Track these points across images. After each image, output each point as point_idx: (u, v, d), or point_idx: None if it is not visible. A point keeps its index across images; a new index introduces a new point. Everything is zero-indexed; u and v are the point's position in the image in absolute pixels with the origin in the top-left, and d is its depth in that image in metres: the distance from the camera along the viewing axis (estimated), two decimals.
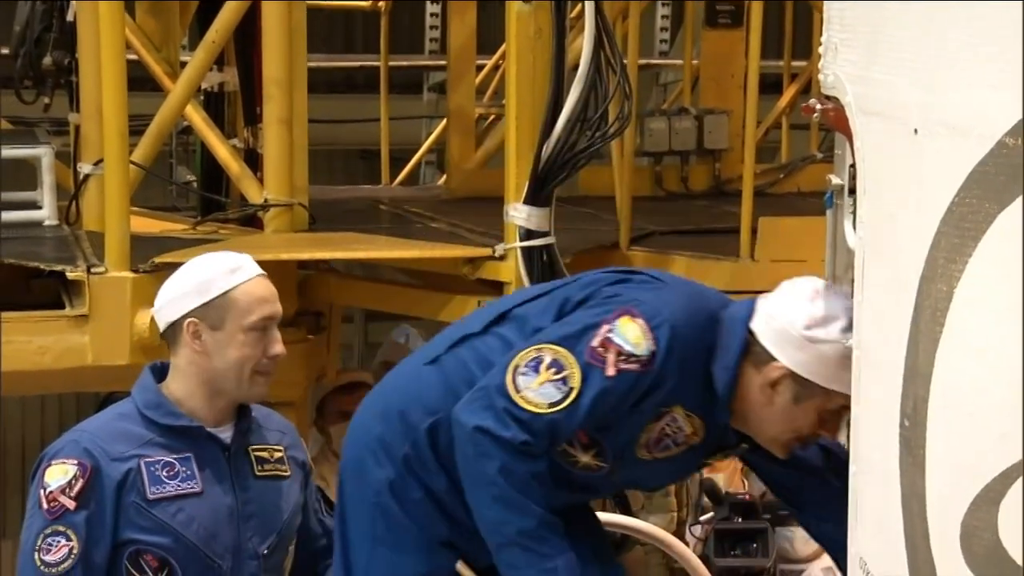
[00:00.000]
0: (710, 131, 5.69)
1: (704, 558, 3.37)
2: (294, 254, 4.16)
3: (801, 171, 5.85)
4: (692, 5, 6.34)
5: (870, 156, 1.80)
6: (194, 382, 2.81)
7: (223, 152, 4.54)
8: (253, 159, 4.61)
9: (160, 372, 2.86)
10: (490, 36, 6.17)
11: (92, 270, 3.68)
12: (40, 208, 4.37)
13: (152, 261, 3.76)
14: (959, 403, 1.51)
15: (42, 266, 3.72)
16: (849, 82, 1.83)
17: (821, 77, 1.95)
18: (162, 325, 2.81)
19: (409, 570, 2.70)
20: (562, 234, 4.03)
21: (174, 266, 3.78)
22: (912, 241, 1.60)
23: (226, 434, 2.85)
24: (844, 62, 1.86)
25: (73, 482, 2.73)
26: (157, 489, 2.78)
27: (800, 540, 4.00)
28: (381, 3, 6.29)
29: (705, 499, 4.05)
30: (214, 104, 4.96)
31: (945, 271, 1.54)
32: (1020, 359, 1.42)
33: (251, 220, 4.51)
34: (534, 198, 3.89)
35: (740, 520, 3.81)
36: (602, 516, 3.57)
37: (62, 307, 3.72)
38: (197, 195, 5.14)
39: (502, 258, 4.00)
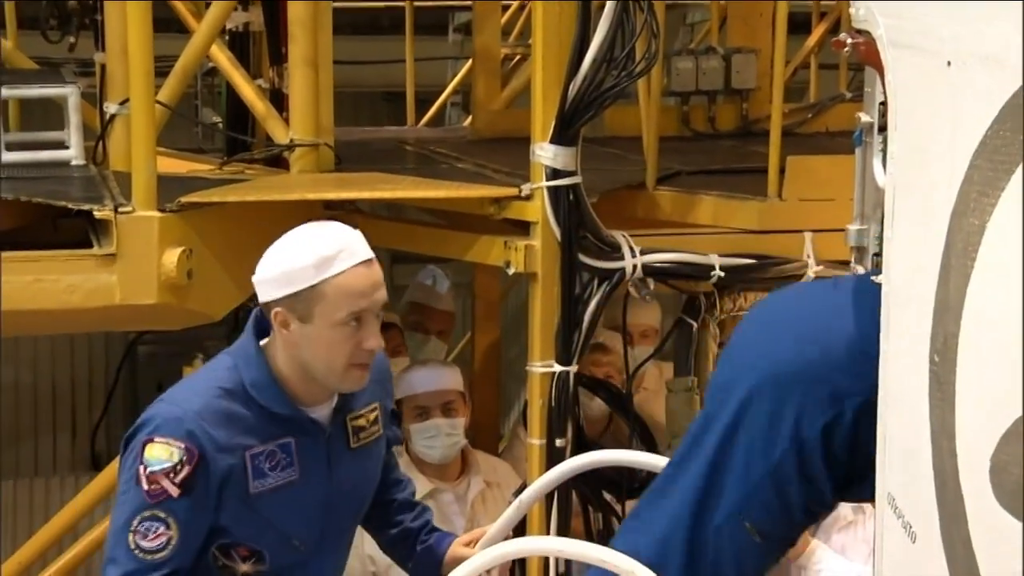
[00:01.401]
0: (738, 70, 5.64)
1: None
2: (320, 194, 4.16)
3: (830, 110, 5.81)
4: None
5: (902, 90, 1.78)
6: (290, 365, 2.73)
7: (248, 92, 4.53)
8: (279, 99, 4.59)
9: (261, 330, 2.75)
10: None
11: (119, 209, 3.68)
12: (67, 148, 4.38)
13: (179, 201, 3.76)
14: (989, 338, 1.50)
15: (70, 205, 3.72)
16: (881, 15, 1.81)
17: (852, 10, 1.92)
18: (260, 298, 2.73)
19: None
20: (588, 174, 4.01)
21: (201, 206, 3.82)
22: (944, 175, 1.58)
23: (325, 412, 2.78)
24: None
25: (179, 468, 2.64)
26: (259, 483, 2.72)
27: None
28: None
29: None
30: (239, 44, 4.94)
31: (977, 205, 1.52)
32: None
33: (277, 160, 4.51)
34: (560, 138, 3.87)
35: None
36: (631, 455, 3.58)
37: (90, 246, 3.73)
38: (223, 136, 5.13)
39: (528, 198, 3.99)
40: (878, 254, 2.94)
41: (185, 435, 2.65)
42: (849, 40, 2.07)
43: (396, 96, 7.06)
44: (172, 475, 2.63)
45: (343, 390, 2.78)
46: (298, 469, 2.75)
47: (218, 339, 5.68)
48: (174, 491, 2.63)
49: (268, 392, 2.72)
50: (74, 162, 4.34)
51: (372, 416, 2.90)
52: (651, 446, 4.29)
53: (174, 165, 4.45)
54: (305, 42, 4.26)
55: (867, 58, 1.99)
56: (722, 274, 4.11)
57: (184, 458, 2.63)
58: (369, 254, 2.73)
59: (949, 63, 1.59)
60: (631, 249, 4.03)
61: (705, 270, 4.11)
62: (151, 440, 2.66)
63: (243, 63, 4.73)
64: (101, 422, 8.07)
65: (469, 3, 6.55)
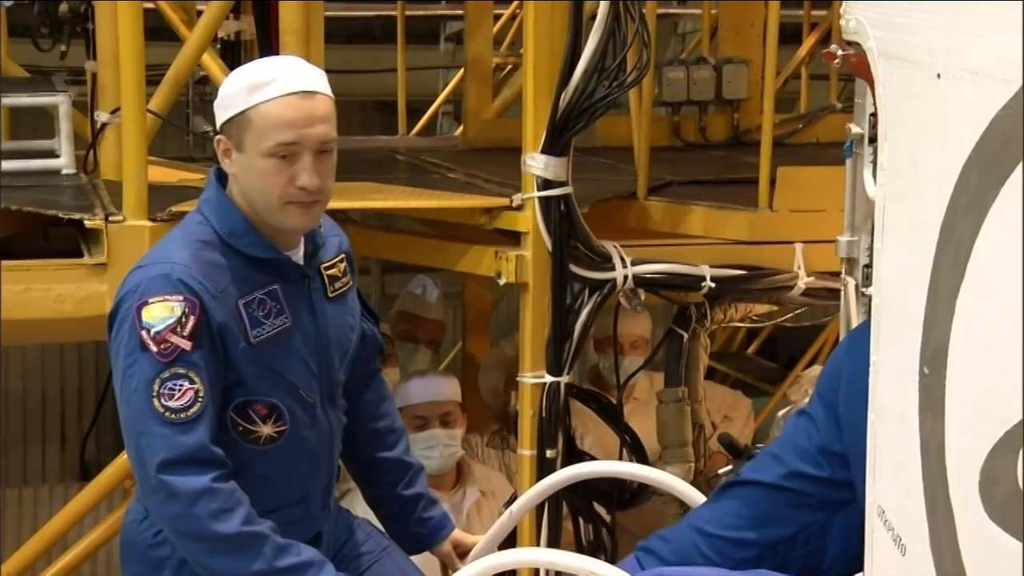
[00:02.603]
0: (729, 81, 5.65)
1: None
2: None
3: (820, 121, 5.82)
4: None
5: (892, 101, 1.78)
6: (242, 200, 2.62)
7: None
8: None
9: (222, 179, 2.66)
10: None
11: (110, 218, 3.67)
12: (58, 156, 4.37)
13: (170, 210, 3.76)
14: (979, 350, 1.51)
15: (60, 214, 3.72)
16: (871, 26, 1.81)
17: (843, 22, 1.93)
18: None
19: None
20: (580, 184, 4.02)
21: None
22: (934, 187, 1.59)
23: (298, 256, 2.69)
24: (866, 6, 1.84)
25: (184, 320, 2.51)
26: (257, 332, 2.61)
27: None
28: None
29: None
30: (231, 53, 4.94)
31: (967, 217, 1.53)
32: None
33: None
34: (551, 147, 3.88)
35: None
36: (621, 466, 3.59)
37: (80, 255, 3.72)
38: (213, 144, 5.13)
39: (519, 208, 3.99)
40: (868, 265, 2.95)
41: (181, 287, 2.53)
42: (840, 52, 2.08)
43: (387, 105, 7.07)
44: (179, 329, 2.51)
45: (288, 230, 2.65)
46: (289, 316, 2.65)
47: None
48: (186, 344, 2.51)
49: (246, 238, 2.62)
50: (65, 171, 4.33)
51: (342, 267, 2.81)
52: (641, 457, 4.29)
53: (165, 174, 4.44)
54: (297, 50, 4.25)
55: (857, 70, 1.99)
56: (713, 285, 4.11)
57: (186, 309, 2.52)
58: (311, 86, 2.58)
59: (939, 75, 1.59)
60: (622, 259, 4.03)
61: (696, 281, 4.12)
62: (144, 304, 2.53)
63: None
64: (91, 431, 8.05)
65: (461, 12, 6.56)
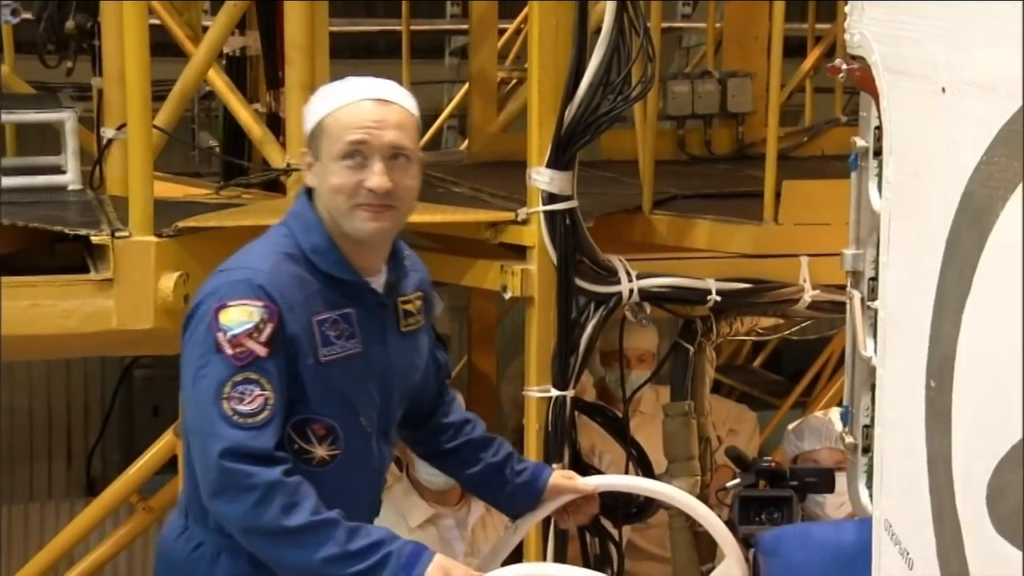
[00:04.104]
0: (733, 94, 5.65)
1: (729, 524, 3.37)
2: None
3: (825, 134, 5.82)
4: None
5: (897, 115, 1.78)
6: (327, 217, 2.64)
7: (245, 116, 4.54)
8: (275, 123, 4.60)
9: (311, 196, 2.68)
10: (511, 0, 6.14)
11: (116, 234, 3.68)
12: (64, 172, 4.38)
13: (175, 225, 3.76)
14: (985, 364, 1.50)
15: (66, 230, 3.72)
16: (876, 41, 1.82)
17: (847, 36, 1.93)
18: None
19: None
20: (585, 198, 4.02)
21: (197, 230, 3.82)
22: (939, 200, 1.59)
23: (378, 283, 2.69)
24: (870, 21, 1.85)
25: (261, 326, 2.51)
26: (327, 351, 2.60)
27: (831, 505, 4.00)
28: None
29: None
30: (236, 68, 4.95)
31: (972, 231, 1.53)
32: None
33: (274, 184, 4.51)
34: (556, 162, 3.88)
35: (766, 487, 3.81)
36: (627, 480, 3.58)
37: (87, 271, 3.72)
38: (219, 160, 5.14)
39: (525, 222, 3.99)
40: (874, 278, 2.95)
41: (261, 294, 2.53)
42: (844, 66, 2.08)
43: None
44: (256, 335, 2.51)
45: (357, 234, 2.63)
46: (360, 341, 2.64)
47: None
48: (262, 351, 2.50)
49: (329, 257, 2.62)
50: (71, 187, 4.34)
51: (418, 304, 2.81)
52: (647, 471, 4.28)
53: (171, 189, 4.45)
54: (302, 66, 4.27)
55: (862, 83, 2.00)
56: (718, 298, 4.11)
57: (265, 316, 2.52)
58: (386, 95, 2.63)
59: (944, 89, 1.60)
60: (627, 273, 4.03)
61: (701, 294, 4.11)
62: (224, 306, 2.53)
63: (240, 87, 4.74)
64: (97, 447, 8.05)
65: (465, 27, 6.57)
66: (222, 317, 2.53)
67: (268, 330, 2.52)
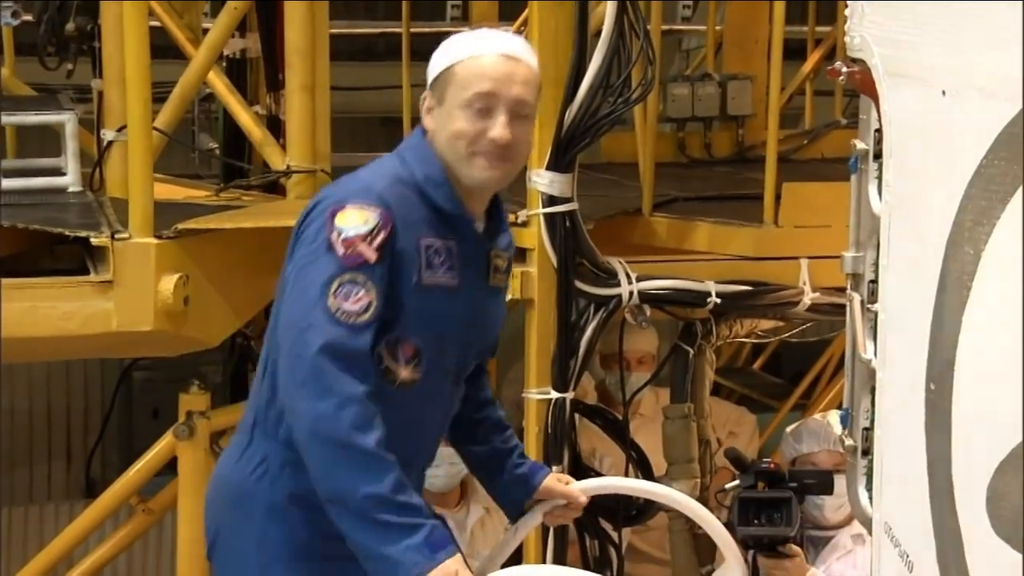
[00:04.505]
0: (733, 97, 5.66)
1: (728, 526, 3.37)
2: None
3: (825, 137, 5.82)
4: None
5: (897, 119, 1.79)
6: (440, 157, 2.69)
7: (245, 119, 4.54)
8: (275, 126, 4.60)
9: (425, 134, 2.72)
10: (513, 3, 6.14)
11: (116, 236, 3.68)
12: (64, 174, 4.38)
13: (175, 227, 3.76)
14: (985, 367, 1.51)
15: (66, 232, 3.72)
16: (876, 44, 1.82)
17: (847, 39, 1.93)
18: None
19: None
20: (585, 200, 4.02)
21: (197, 232, 3.82)
22: (939, 203, 1.59)
23: (479, 226, 2.73)
24: (871, 24, 1.85)
25: (375, 232, 2.54)
26: (430, 274, 2.63)
27: (830, 508, 4.00)
28: None
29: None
30: (236, 71, 4.95)
31: (972, 234, 1.53)
32: None
33: (274, 187, 4.52)
34: (557, 164, 3.88)
35: (765, 488, 3.81)
36: (627, 482, 3.58)
37: (87, 273, 3.73)
38: (219, 162, 5.14)
39: (525, 224, 3.99)
40: (874, 281, 2.95)
41: (380, 202, 2.57)
42: (844, 69, 2.08)
43: (393, 121, 7.06)
44: (369, 240, 2.54)
45: (471, 181, 2.67)
46: (457, 276, 2.67)
47: (214, 365, 5.67)
48: (372, 255, 2.53)
49: (442, 189, 2.66)
50: (71, 189, 4.34)
51: (504, 264, 2.85)
52: (647, 473, 4.28)
53: (171, 191, 4.45)
54: (302, 69, 4.27)
55: (862, 87, 2.00)
56: (718, 301, 4.11)
57: (380, 222, 2.55)
58: (516, 51, 2.67)
59: (944, 92, 1.60)
60: (627, 275, 4.03)
61: (701, 297, 4.12)
62: (341, 208, 2.56)
63: (240, 90, 4.74)
64: (96, 449, 8.05)
65: (465, 30, 6.56)
66: (338, 218, 2.55)
67: (381, 237, 2.55)
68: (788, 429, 4.44)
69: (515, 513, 3.05)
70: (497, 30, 2.79)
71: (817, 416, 4.54)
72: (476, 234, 2.74)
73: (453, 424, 3.02)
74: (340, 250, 2.53)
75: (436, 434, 2.89)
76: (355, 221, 2.54)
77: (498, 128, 2.62)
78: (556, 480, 3.05)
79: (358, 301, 2.53)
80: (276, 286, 2.74)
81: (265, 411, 2.72)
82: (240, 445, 2.79)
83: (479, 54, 2.65)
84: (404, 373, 2.66)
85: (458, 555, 2.55)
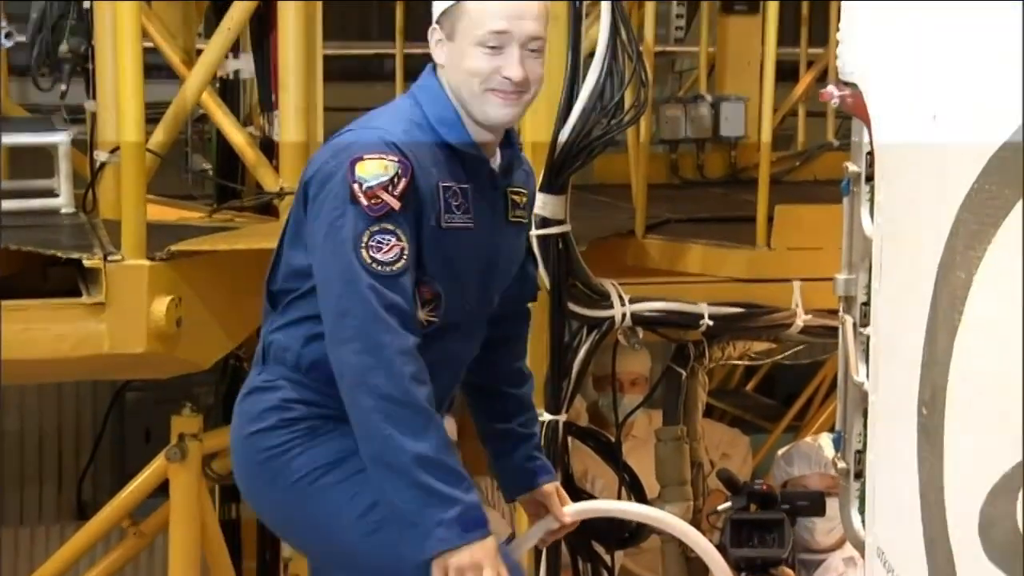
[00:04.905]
0: (726, 118, 5.68)
1: (720, 548, 3.36)
2: None
3: (818, 159, 5.84)
4: None
5: (888, 142, 1.79)
6: (452, 94, 2.68)
7: (239, 140, 4.54)
8: (269, 147, 4.60)
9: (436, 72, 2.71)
10: None
11: (109, 258, 3.67)
12: (57, 196, 4.37)
13: (168, 249, 3.76)
14: (978, 391, 1.50)
15: (59, 254, 3.72)
16: (867, 68, 1.82)
17: (839, 63, 1.94)
18: None
19: None
20: (578, 222, 4.02)
21: (190, 254, 3.81)
22: (931, 228, 1.59)
23: (495, 163, 2.73)
24: (862, 47, 1.85)
25: (396, 180, 2.55)
26: (448, 217, 2.64)
27: (820, 531, 3.99)
28: None
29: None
30: (230, 92, 4.95)
31: (964, 258, 1.53)
32: None
33: (267, 208, 4.51)
34: (550, 186, 3.88)
35: (757, 510, 3.81)
36: (620, 505, 3.57)
37: (79, 295, 3.72)
38: (213, 183, 5.14)
39: None
40: (867, 303, 2.95)
41: (395, 148, 2.58)
42: (836, 92, 2.09)
43: None
44: (391, 188, 2.55)
45: (485, 120, 2.67)
46: (473, 219, 2.68)
47: (207, 386, 5.66)
48: (395, 203, 2.54)
49: (455, 129, 2.66)
50: (64, 210, 4.34)
51: (523, 200, 2.83)
52: (640, 495, 4.27)
53: (164, 212, 4.45)
54: (296, 90, 4.27)
55: (854, 110, 2.00)
56: (711, 323, 4.11)
57: (399, 170, 2.56)
58: None
59: (935, 117, 1.60)
60: (620, 297, 4.03)
61: (694, 319, 4.11)
62: (360, 159, 2.56)
63: (233, 110, 4.74)
64: (88, 470, 8.03)
65: None
66: (358, 168, 2.56)
67: (402, 184, 2.56)
68: (779, 452, 4.44)
69: (507, 497, 3.05)
70: None
71: (808, 439, 4.54)
72: (491, 172, 2.73)
73: (476, 390, 3.00)
74: (364, 201, 2.54)
75: (454, 377, 2.86)
76: (375, 170, 2.55)
77: (513, 67, 2.61)
78: (556, 490, 3.04)
79: (391, 250, 2.54)
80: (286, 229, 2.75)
81: (283, 345, 2.72)
82: (253, 384, 2.80)
83: None
84: (421, 315, 2.65)
85: (489, 540, 2.54)
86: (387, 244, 2.54)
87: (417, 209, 2.60)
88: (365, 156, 2.57)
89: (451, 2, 2.66)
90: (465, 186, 2.67)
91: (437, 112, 2.67)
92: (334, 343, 2.59)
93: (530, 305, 3.08)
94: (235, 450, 2.85)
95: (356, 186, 2.55)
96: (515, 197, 2.81)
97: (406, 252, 2.55)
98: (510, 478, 3.04)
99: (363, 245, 2.54)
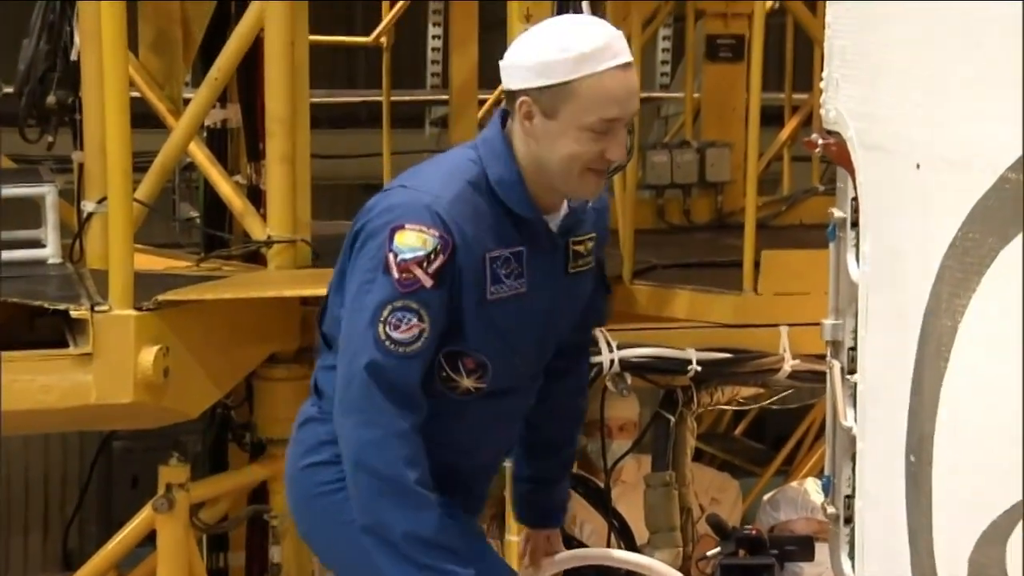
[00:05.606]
0: (712, 164, 5.69)
1: None
2: (297, 291, 4.16)
3: (803, 203, 5.85)
4: (693, 39, 6.36)
5: (872, 191, 1.80)
6: (527, 159, 2.56)
7: (226, 188, 4.55)
8: (256, 195, 4.61)
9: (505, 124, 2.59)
10: (492, 70, 6.19)
11: (96, 308, 3.67)
12: (44, 246, 4.37)
13: (156, 299, 3.76)
14: (965, 439, 1.51)
15: (45, 305, 3.72)
16: (851, 117, 1.84)
17: (823, 112, 1.95)
18: (505, 83, 2.58)
19: None
20: None
21: (178, 303, 3.81)
22: (916, 276, 1.60)
23: (556, 223, 2.63)
24: (845, 97, 1.87)
25: (432, 256, 2.47)
26: (495, 289, 2.56)
27: None
28: (382, 39, 6.31)
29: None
30: (217, 141, 4.96)
31: (949, 306, 1.54)
32: None
33: (254, 256, 4.52)
34: None
35: (747, 555, 3.79)
36: (609, 553, 3.56)
37: (66, 346, 3.71)
38: (200, 232, 5.15)
39: None
40: (854, 348, 2.95)
41: (438, 223, 2.48)
42: (820, 141, 2.10)
43: (374, 188, 7.08)
44: (426, 264, 2.46)
45: (574, 196, 2.59)
46: (527, 282, 2.59)
47: (194, 434, 5.64)
48: (428, 281, 2.46)
49: (514, 192, 2.55)
50: (51, 260, 4.34)
51: (590, 245, 2.72)
52: (629, 541, 4.26)
53: (151, 262, 4.45)
54: (282, 139, 4.29)
55: (838, 159, 2.01)
56: (699, 368, 4.11)
57: (438, 246, 2.47)
58: (628, 57, 2.52)
59: (918, 165, 1.61)
60: (608, 343, 4.04)
61: (682, 364, 4.12)
62: (401, 227, 2.48)
63: (221, 159, 4.75)
64: (74, 519, 7.97)
65: (446, 98, 6.61)
66: (397, 238, 2.49)
67: (439, 262, 2.48)
68: (765, 497, 4.44)
69: (526, 522, 3.06)
70: (595, 23, 2.64)
71: (794, 484, 4.53)
72: (550, 234, 2.63)
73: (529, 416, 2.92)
74: (395, 273, 2.47)
75: (510, 431, 2.83)
76: (413, 243, 2.48)
77: (619, 149, 2.53)
78: (547, 543, 3.03)
79: (408, 330, 2.48)
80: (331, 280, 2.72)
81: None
82: (311, 405, 2.78)
83: (601, 69, 2.48)
84: (466, 383, 2.62)
85: None
86: (407, 323, 2.48)
87: (458, 284, 2.53)
88: (407, 225, 2.49)
89: (554, 80, 2.50)
90: (519, 249, 2.59)
91: (498, 174, 2.56)
92: (338, 410, 2.59)
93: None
94: (291, 480, 2.82)
95: (391, 256, 2.48)
96: (577, 248, 2.71)
97: (426, 334, 2.49)
98: (519, 501, 3.02)
99: (382, 319, 2.48)
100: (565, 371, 2.92)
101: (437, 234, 2.49)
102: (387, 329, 2.48)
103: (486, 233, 2.55)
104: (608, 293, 3.01)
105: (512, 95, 2.57)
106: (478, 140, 2.67)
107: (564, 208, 2.66)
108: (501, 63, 2.60)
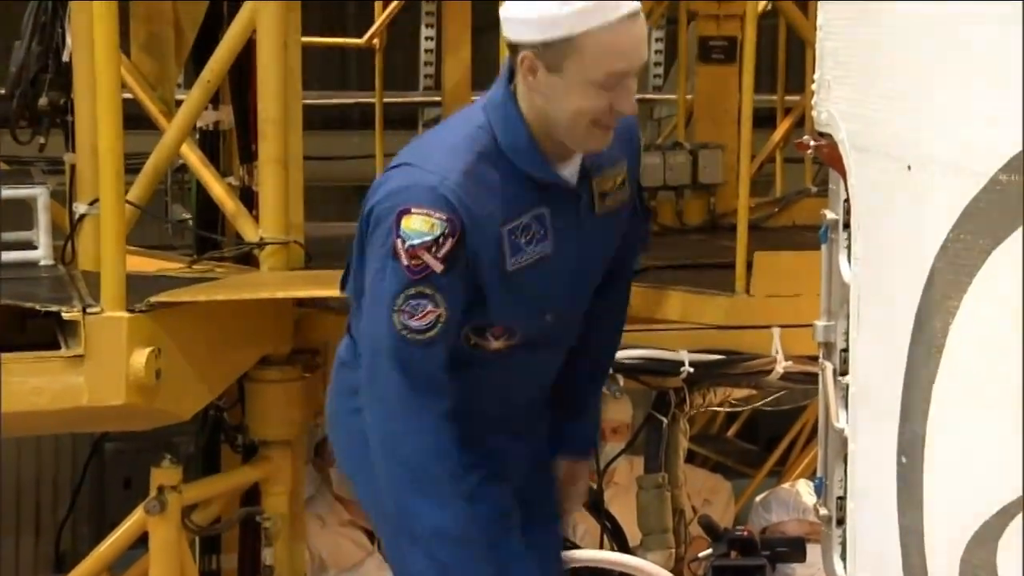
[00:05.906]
0: (704, 165, 5.69)
1: None
2: (290, 292, 4.15)
3: (796, 204, 5.86)
4: (685, 40, 6.36)
5: (864, 193, 1.80)
6: (532, 114, 2.49)
7: (218, 190, 4.54)
8: (248, 197, 4.61)
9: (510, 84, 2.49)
10: (485, 72, 6.19)
11: (88, 310, 3.67)
12: (36, 248, 4.37)
13: (148, 301, 3.75)
14: (956, 440, 1.51)
15: (37, 307, 3.71)
16: (842, 119, 1.84)
17: (814, 114, 1.96)
18: (506, 36, 2.49)
19: None
20: None
21: (170, 305, 3.80)
22: (907, 277, 1.60)
23: (572, 170, 2.55)
24: (837, 99, 1.87)
25: (441, 240, 2.42)
26: (516, 259, 2.52)
27: None
28: (375, 40, 6.31)
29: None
30: (209, 142, 4.96)
31: (941, 307, 1.54)
32: (1017, 395, 1.42)
33: (247, 258, 4.51)
34: None
35: (739, 557, 3.80)
36: (599, 554, 3.56)
37: (58, 347, 3.71)
38: (193, 233, 5.14)
39: None
40: (846, 349, 2.96)
41: (446, 206, 2.43)
42: (812, 143, 2.10)
43: (367, 190, 7.09)
44: (434, 249, 2.42)
45: (580, 150, 2.52)
46: (551, 243, 2.53)
47: (187, 435, 5.63)
48: (438, 266, 2.42)
49: (527, 156, 2.49)
50: (43, 262, 4.33)
51: (619, 179, 2.64)
52: (622, 543, 4.26)
53: (143, 263, 4.44)
54: (275, 140, 4.29)
55: (830, 161, 2.02)
56: (691, 370, 4.12)
57: (446, 230, 2.42)
58: (635, 7, 2.42)
59: (910, 167, 1.62)
60: None
61: (674, 366, 4.12)
62: (407, 211, 2.43)
63: (213, 161, 4.75)
64: (66, 521, 7.96)
65: (438, 99, 6.61)
66: (403, 223, 2.45)
67: (447, 246, 2.43)
68: (757, 499, 4.44)
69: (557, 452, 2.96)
70: None
71: (785, 485, 4.53)
72: (570, 188, 2.56)
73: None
74: (405, 260, 2.44)
75: (546, 379, 2.78)
76: (420, 228, 2.44)
77: (629, 101, 2.46)
78: (571, 472, 2.96)
79: (424, 317, 2.45)
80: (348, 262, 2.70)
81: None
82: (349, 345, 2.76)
83: (606, 22, 2.39)
84: (496, 344, 2.60)
85: None
86: (421, 310, 2.45)
87: (473, 265, 2.49)
88: (413, 210, 2.45)
89: (557, 34, 2.41)
90: (540, 211, 2.53)
91: (510, 139, 2.50)
92: (364, 400, 2.58)
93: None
94: (337, 422, 2.79)
95: (399, 242, 2.45)
96: (604, 187, 2.62)
97: (443, 319, 2.46)
98: (561, 434, 2.93)
99: (396, 308, 2.46)
100: (606, 289, 2.84)
101: (444, 217, 2.44)
102: (403, 319, 2.45)
103: (500, 205, 2.50)
104: (648, 215, 2.94)
105: (514, 48, 2.50)
106: (486, 103, 2.59)
107: (579, 155, 2.60)
108: (501, 12, 2.51)
